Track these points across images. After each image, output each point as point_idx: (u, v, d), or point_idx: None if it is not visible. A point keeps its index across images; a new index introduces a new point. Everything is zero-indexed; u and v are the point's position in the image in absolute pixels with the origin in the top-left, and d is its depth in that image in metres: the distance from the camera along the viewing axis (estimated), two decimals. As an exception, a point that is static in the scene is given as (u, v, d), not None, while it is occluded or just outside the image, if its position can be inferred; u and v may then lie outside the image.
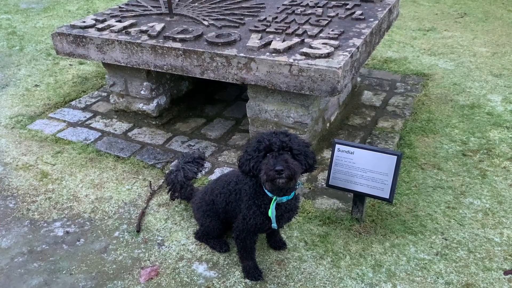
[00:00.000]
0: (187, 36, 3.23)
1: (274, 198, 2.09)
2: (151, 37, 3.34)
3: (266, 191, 2.12)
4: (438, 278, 2.36)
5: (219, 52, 3.01)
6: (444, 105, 4.11)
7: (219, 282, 2.35)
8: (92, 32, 3.55)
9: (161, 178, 3.17)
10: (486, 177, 3.13)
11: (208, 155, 3.43)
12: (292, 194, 2.15)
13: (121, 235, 2.70)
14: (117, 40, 3.38)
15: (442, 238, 2.62)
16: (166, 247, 2.59)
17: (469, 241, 2.59)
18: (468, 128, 3.72)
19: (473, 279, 2.35)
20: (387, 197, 2.49)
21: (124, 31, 3.49)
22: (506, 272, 2.39)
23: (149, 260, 2.51)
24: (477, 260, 2.47)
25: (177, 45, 3.17)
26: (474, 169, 3.22)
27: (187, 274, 2.41)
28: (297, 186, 2.15)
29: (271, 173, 1.89)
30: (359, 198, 2.63)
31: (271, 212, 2.10)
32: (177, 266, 2.46)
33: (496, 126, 3.73)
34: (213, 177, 3.16)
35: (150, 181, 3.09)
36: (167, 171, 3.17)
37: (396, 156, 2.44)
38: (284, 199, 2.12)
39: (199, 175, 3.07)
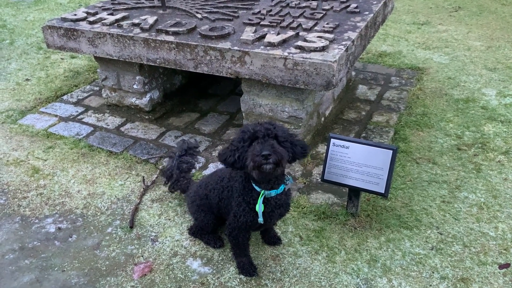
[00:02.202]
0: (180, 29, 3.19)
1: (262, 192, 2.07)
2: (143, 30, 3.29)
3: (254, 185, 2.09)
4: (433, 272, 2.35)
5: (212, 45, 2.97)
6: (439, 99, 4.10)
7: (214, 278, 2.33)
8: (84, 25, 3.49)
9: (155, 173, 3.13)
10: (481, 171, 3.12)
11: (202, 150, 3.40)
12: (281, 188, 2.11)
13: (114, 231, 2.66)
14: (109, 33, 3.33)
15: (437, 232, 2.61)
16: (159, 243, 2.57)
17: (464, 236, 2.59)
18: (463, 122, 3.71)
19: (469, 274, 2.34)
20: (383, 191, 2.47)
21: (116, 24, 3.44)
22: (501, 266, 2.39)
23: (142, 256, 2.48)
24: (472, 255, 2.46)
25: (170, 38, 3.12)
26: (469, 163, 3.21)
27: (181, 270, 2.38)
28: (287, 182, 2.12)
29: (258, 159, 1.86)
30: (354, 192, 2.62)
31: (258, 207, 2.07)
32: (171, 262, 2.43)
33: (491, 120, 3.73)
34: (207, 172, 3.13)
35: (143, 176, 3.06)
36: (161, 166, 3.14)
37: (391, 151, 2.43)
38: (273, 193, 2.08)
39: (196, 165, 3.04)
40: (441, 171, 3.14)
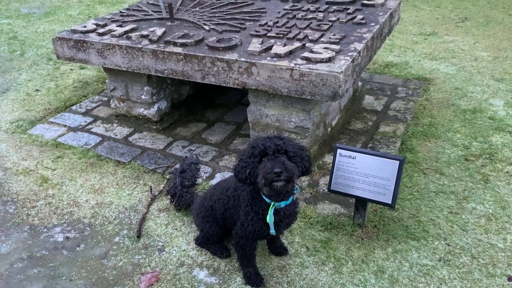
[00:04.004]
0: (188, 40, 3.23)
1: (272, 204, 2.08)
2: (152, 41, 3.33)
3: (264, 197, 2.10)
4: (441, 284, 2.33)
5: (220, 56, 3.00)
6: (446, 109, 4.10)
7: (220, 288, 2.33)
8: (93, 37, 3.55)
9: (162, 183, 3.15)
10: (489, 182, 3.11)
11: (209, 160, 3.42)
12: (291, 199, 2.13)
13: (121, 241, 2.68)
14: (118, 45, 3.38)
15: (445, 243, 2.60)
16: (166, 252, 2.57)
17: (472, 247, 2.57)
18: (470, 133, 3.70)
19: (477, 286, 2.32)
20: (390, 202, 2.47)
21: (125, 36, 3.49)
22: (510, 278, 2.37)
23: (149, 265, 2.49)
24: (480, 266, 2.44)
25: (178, 49, 3.16)
26: (476, 174, 3.20)
27: (187, 280, 2.39)
28: (295, 191, 2.14)
29: (270, 176, 1.87)
30: (361, 203, 2.62)
31: (269, 218, 2.08)
32: (178, 272, 2.44)
33: (499, 131, 3.72)
34: (214, 181, 3.14)
35: (151, 186, 3.08)
36: (167, 176, 3.16)
37: (398, 161, 2.43)
38: (282, 204, 2.10)
39: (199, 180, 3.07)
40: (448, 181, 3.12)
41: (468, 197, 2.97)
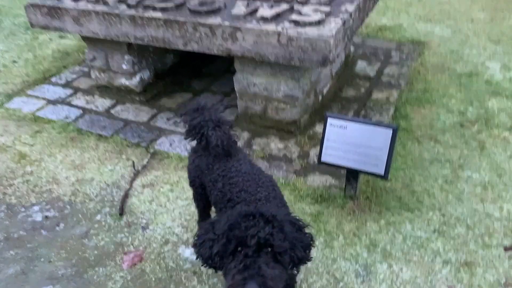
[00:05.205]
0: (168, 4, 3.01)
1: None
2: (130, 6, 3.11)
3: None
4: (436, 257, 2.25)
5: (202, 21, 2.81)
6: (441, 74, 3.94)
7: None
8: (68, 3, 3.32)
9: (146, 158, 3.01)
10: (485, 149, 3.00)
11: (195, 132, 3.27)
12: None
13: (103, 219, 2.56)
14: (94, 11, 3.16)
15: (440, 214, 2.50)
16: (150, 230, 2.47)
17: (468, 217, 2.48)
18: (466, 98, 3.57)
19: (473, 257, 2.24)
20: (382, 173, 2.35)
21: (101, 1, 3.26)
22: (506, 249, 2.29)
23: (132, 244, 2.38)
24: (476, 237, 2.36)
25: (158, 14, 2.96)
26: (472, 141, 3.08)
27: (172, 259, 2.29)
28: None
29: None
30: (352, 174, 2.50)
31: None
32: (162, 250, 2.34)
33: (495, 95, 3.58)
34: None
35: (133, 161, 2.94)
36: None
37: (391, 130, 2.30)
38: None
39: (185, 153, 2.92)
40: (443, 149, 3.01)
41: (463, 165, 2.87)
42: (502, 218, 2.47)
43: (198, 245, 1.50)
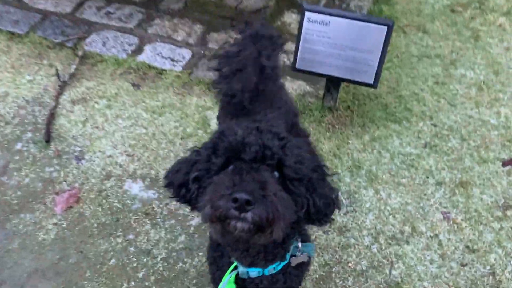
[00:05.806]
0: None
1: (233, 265, 1.14)
2: None
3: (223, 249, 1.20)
4: (428, 177, 1.96)
5: None
6: None
7: (161, 205, 1.84)
8: None
9: (73, 63, 2.39)
10: (480, 40, 2.60)
11: (134, 26, 2.63)
12: (281, 264, 1.14)
13: (25, 148, 2.04)
14: None
15: (431, 124, 2.17)
16: (86, 161, 1.99)
17: (462, 126, 2.17)
18: (457, -26, 3.03)
19: (468, 175, 1.97)
20: (371, 82, 1.93)
21: None
22: (504, 163, 2.03)
23: (65, 181, 1.92)
24: (471, 151, 2.07)
25: None
26: (465, 30, 2.66)
27: (117, 197, 1.87)
28: (299, 253, 1.15)
29: (223, 205, 0.88)
30: (333, 83, 2.05)
31: (222, 286, 1.14)
32: (104, 187, 1.90)
33: (490, -29, 3.06)
34: (142, 57, 2.43)
35: (57, 68, 2.33)
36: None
37: (386, 27, 1.81)
38: (253, 273, 1.12)
39: (124, 55, 2.34)
40: (433, 42, 2.58)
41: (456, 60, 2.47)
42: (499, 125, 2.17)
43: (170, 173, 1.06)
